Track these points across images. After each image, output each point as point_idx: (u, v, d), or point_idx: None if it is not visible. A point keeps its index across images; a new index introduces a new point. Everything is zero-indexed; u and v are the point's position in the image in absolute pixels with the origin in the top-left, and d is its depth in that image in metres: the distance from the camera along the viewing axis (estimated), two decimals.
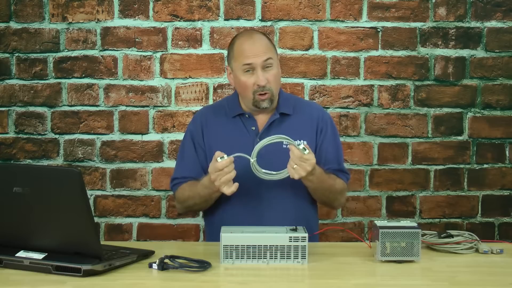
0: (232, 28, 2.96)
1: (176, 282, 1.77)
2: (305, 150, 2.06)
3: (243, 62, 2.26)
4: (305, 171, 2.09)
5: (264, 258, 1.91)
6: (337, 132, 2.45)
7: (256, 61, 2.24)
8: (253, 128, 2.33)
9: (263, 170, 2.12)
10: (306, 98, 2.98)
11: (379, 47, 2.98)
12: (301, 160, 2.07)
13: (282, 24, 2.97)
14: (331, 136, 2.39)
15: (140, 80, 2.99)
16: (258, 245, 1.91)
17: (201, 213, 3.00)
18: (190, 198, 2.32)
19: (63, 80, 2.99)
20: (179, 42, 2.98)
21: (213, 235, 2.31)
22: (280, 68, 2.36)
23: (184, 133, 2.46)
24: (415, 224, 1.97)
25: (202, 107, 2.69)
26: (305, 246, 1.91)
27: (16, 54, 2.99)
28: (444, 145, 3.01)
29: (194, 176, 2.32)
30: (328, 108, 2.98)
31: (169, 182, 2.43)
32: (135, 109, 3.00)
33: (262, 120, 2.35)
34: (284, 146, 2.24)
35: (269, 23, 2.97)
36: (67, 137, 3.01)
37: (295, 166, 2.08)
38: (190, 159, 2.37)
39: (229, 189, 2.10)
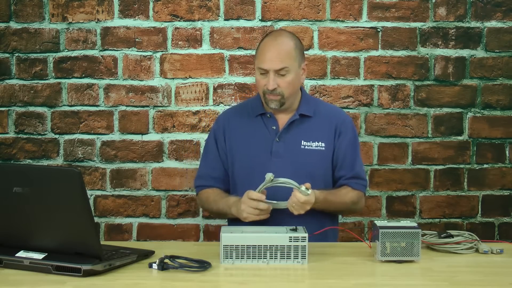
0: (232, 28, 2.96)
1: (176, 282, 1.77)
2: (308, 190, 2.12)
3: (258, 65, 2.33)
4: (303, 211, 2.16)
5: (264, 258, 1.91)
6: (357, 138, 2.50)
7: (269, 68, 2.29)
8: (274, 127, 2.39)
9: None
10: None
11: (379, 47, 2.98)
12: (300, 204, 2.14)
13: (282, 24, 2.97)
14: (350, 141, 2.43)
15: (140, 80, 2.99)
16: (258, 245, 1.91)
17: (201, 213, 3.00)
18: (211, 205, 2.41)
19: (63, 80, 2.99)
20: (179, 42, 2.98)
21: None
22: (306, 72, 2.42)
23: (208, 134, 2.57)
24: (415, 224, 1.97)
25: (229, 107, 2.76)
26: (305, 246, 1.91)
27: (16, 54, 2.99)
28: (444, 145, 3.01)
29: (218, 175, 2.43)
30: None
31: (194, 180, 2.52)
32: (135, 109, 3.00)
33: (283, 120, 2.40)
34: (302, 147, 2.35)
35: (269, 23, 2.97)
36: (67, 137, 3.01)
37: (294, 205, 2.15)
38: (213, 159, 2.46)
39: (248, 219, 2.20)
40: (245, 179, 2.36)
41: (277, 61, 2.29)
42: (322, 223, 2.31)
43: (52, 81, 2.99)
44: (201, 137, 2.97)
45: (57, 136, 3.01)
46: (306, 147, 2.36)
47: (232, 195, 2.37)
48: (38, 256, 1.82)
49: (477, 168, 3.02)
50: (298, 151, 2.35)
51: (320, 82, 2.98)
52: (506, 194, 3.03)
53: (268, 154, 2.35)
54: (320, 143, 2.37)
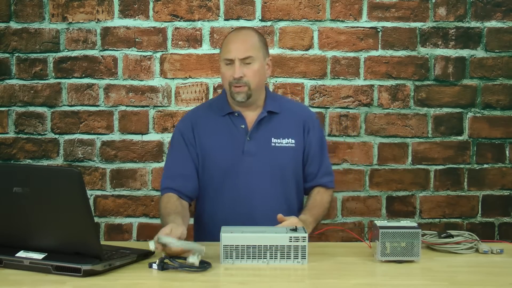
0: (232, 28, 2.96)
1: (176, 282, 1.77)
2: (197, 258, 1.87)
3: (224, 56, 2.34)
4: None
5: (264, 258, 1.91)
6: (323, 132, 2.55)
7: (235, 56, 2.30)
8: (242, 126, 2.38)
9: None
10: (306, 98, 2.98)
11: (379, 47, 2.98)
12: None
13: (282, 24, 2.97)
14: (318, 137, 2.46)
15: (140, 80, 2.99)
16: (258, 245, 1.91)
17: None
18: (160, 212, 2.33)
19: (63, 80, 2.99)
20: (179, 42, 2.98)
21: (201, 235, 2.42)
22: (271, 68, 2.43)
23: (172, 134, 2.49)
24: (415, 224, 1.97)
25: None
26: (305, 246, 1.91)
27: (16, 54, 2.99)
28: (444, 145, 3.01)
29: (187, 172, 2.35)
30: (328, 108, 2.98)
31: (161, 181, 2.43)
32: (135, 109, 3.00)
33: (251, 118, 2.39)
34: (273, 144, 2.34)
35: (269, 23, 2.97)
36: (67, 137, 3.01)
37: None
38: (182, 156, 2.39)
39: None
40: (217, 179, 2.35)
41: (242, 50, 2.31)
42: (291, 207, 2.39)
43: (52, 81, 2.99)
44: None
45: (57, 136, 3.01)
46: (277, 144, 2.36)
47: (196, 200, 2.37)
48: (38, 256, 1.82)
49: (477, 168, 3.02)
50: (269, 149, 2.35)
51: (320, 82, 2.98)
52: (506, 194, 3.03)
53: (240, 153, 2.34)
54: (290, 139, 2.38)
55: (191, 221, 2.49)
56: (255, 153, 2.33)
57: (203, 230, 2.43)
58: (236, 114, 2.39)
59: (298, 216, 2.26)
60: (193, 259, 1.83)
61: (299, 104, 2.60)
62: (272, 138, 2.37)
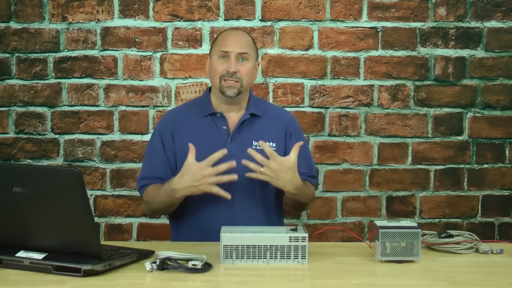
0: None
1: (176, 282, 1.77)
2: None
3: (220, 48, 2.33)
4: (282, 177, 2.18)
5: (264, 258, 1.91)
6: (304, 136, 2.52)
7: (232, 49, 2.31)
8: (224, 127, 2.37)
9: None
10: (306, 98, 2.98)
11: (379, 47, 2.98)
12: (281, 168, 2.17)
13: (282, 24, 2.97)
14: (300, 141, 2.39)
15: (140, 80, 2.99)
16: (258, 245, 1.91)
17: None
18: (153, 202, 2.34)
19: (63, 80, 2.99)
20: (179, 42, 2.98)
21: (178, 236, 2.40)
22: (257, 73, 2.47)
23: (152, 133, 2.48)
24: (415, 224, 1.97)
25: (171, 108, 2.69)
26: (305, 246, 1.91)
27: (16, 54, 2.99)
28: (444, 145, 3.01)
29: (162, 176, 2.33)
30: (328, 108, 2.98)
31: (136, 181, 2.43)
32: (135, 109, 3.00)
33: (233, 119, 2.38)
34: (254, 147, 2.30)
35: (269, 23, 2.97)
36: (67, 137, 3.01)
37: (273, 171, 2.17)
38: (159, 159, 2.38)
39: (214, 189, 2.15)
40: None
41: (240, 45, 2.33)
42: (270, 220, 2.36)
43: (52, 81, 2.99)
44: None
45: (57, 136, 3.01)
46: (258, 147, 2.29)
47: (174, 202, 2.29)
48: (38, 256, 1.82)
49: (477, 168, 3.02)
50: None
51: (320, 82, 2.98)
52: (506, 194, 3.03)
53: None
54: (271, 143, 2.36)
55: (167, 221, 2.48)
56: (236, 155, 2.23)
57: (180, 230, 2.40)
58: (218, 115, 2.38)
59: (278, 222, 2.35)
60: (195, 262, 1.83)
61: (281, 109, 2.59)
62: (253, 141, 2.34)
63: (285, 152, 2.38)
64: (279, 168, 2.16)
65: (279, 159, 2.16)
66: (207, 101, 2.42)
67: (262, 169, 2.16)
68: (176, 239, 2.42)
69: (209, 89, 2.47)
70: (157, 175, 2.36)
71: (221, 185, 2.20)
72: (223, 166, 2.15)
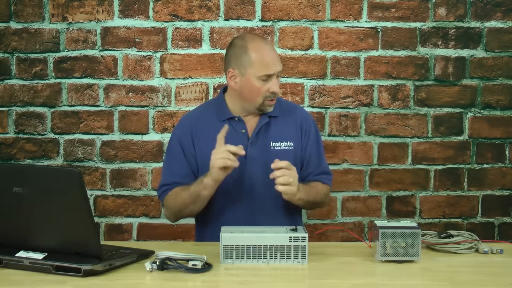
0: (232, 28, 2.96)
1: (176, 282, 1.77)
2: None
3: (265, 72, 2.26)
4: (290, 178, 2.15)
5: (264, 258, 1.91)
6: (319, 133, 2.50)
7: (276, 71, 2.28)
8: (243, 131, 2.35)
9: None
10: (306, 98, 2.98)
11: (379, 47, 2.98)
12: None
13: (282, 24, 2.97)
14: (314, 138, 2.44)
15: (140, 80, 2.99)
16: (258, 245, 1.91)
17: None
18: (175, 203, 2.31)
19: (63, 80, 2.99)
20: (179, 42, 2.98)
21: (203, 237, 2.40)
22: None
23: (169, 139, 2.43)
24: (415, 224, 1.97)
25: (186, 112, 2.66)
26: (305, 246, 1.91)
27: (16, 54, 2.99)
28: (444, 145, 3.01)
29: (184, 182, 2.30)
30: (328, 108, 2.98)
31: (157, 189, 2.40)
32: (135, 109, 3.00)
33: (251, 123, 2.37)
34: (272, 148, 2.32)
35: (269, 23, 2.97)
36: (67, 137, 3.01)
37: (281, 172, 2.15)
38: (180, 165, 2.35)
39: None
40: (221, 184, 2.24)
41: (279, 62, 2.31)
42: (292, 221, 2.33)
43: (52, 81, 2.99)
44: None
45: (57, 136, 3.01)
46: (276, 147, 2.33)
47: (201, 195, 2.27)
48: (38, 256, 1.82)
49: (477, 168, 3.02)
50: (268, 152, 2.32)
51: (320, 82, 2.98)
52: (506, 194, 3.03)
53: (242, 158, 2.22)
54: (288, 142, 2.36)
55: (193, 220, 2.49)
56: (256, 158, 2.29)
57: (205, 231, 2.41)
58: (236, 119, 2.36)
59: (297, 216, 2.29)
60: (195, 262, 1.83)
61: (295, 105, 2.56)
62: (271, 142, 2.35)
63: (301, 149, 2.39)
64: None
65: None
66: (223, 105, 2.39)
67: (291, 179, 2.15)
68: (200, 240, 2.43)
69: (223, 90, 2.43)
70: (178, 180, 2.32)
71: (243, 190, 2.25)
72: (233, 148, 2.13)
